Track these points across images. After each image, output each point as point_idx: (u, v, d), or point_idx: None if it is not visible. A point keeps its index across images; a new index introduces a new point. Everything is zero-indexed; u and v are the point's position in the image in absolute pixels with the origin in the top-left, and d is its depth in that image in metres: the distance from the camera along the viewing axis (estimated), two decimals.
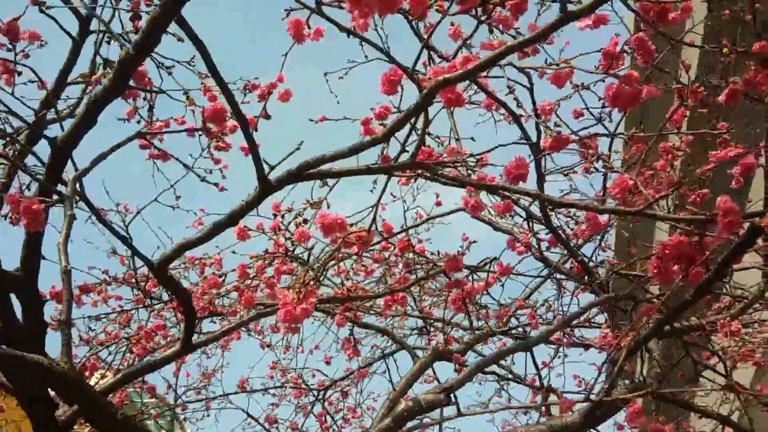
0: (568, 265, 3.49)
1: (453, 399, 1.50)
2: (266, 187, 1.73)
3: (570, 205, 1.66)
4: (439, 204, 4.22)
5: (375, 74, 1.99)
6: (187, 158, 3.49)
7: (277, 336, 5.00)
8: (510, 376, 4.89)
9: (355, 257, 2.54)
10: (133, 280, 3.46)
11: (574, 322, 3.50)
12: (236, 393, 4.48)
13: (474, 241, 3.11)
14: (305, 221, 2.32)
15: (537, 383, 4.63)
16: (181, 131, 1.70)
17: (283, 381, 4.98)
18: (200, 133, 3.29)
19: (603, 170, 2.01)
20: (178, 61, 2.94)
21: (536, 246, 3.26)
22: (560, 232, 2.83)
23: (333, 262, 2.51)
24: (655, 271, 1.73)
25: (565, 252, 3.54)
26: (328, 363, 4.89)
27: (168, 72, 2.93)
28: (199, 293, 2.74)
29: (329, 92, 2.33)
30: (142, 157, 3.37)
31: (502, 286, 3.20)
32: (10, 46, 2.39)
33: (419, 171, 1.99)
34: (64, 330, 1.23)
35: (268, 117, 2.29)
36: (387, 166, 1.82)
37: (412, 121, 1.89)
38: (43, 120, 1.73)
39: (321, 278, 2.53)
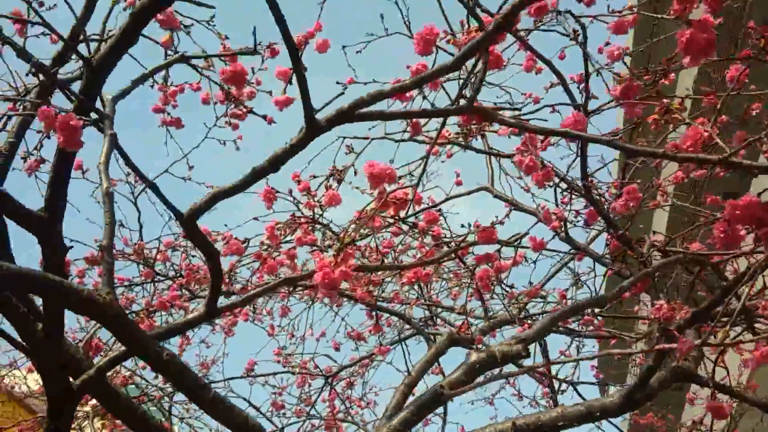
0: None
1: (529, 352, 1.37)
2: (314, 128, 1.58)
3: (651, 154, 1.52)
4: (459, 183, 4.10)
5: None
6: (202, 128, 3.35)
7: (284, 321, 4.86)
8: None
9: (390, 221, 2.38)
10: (142, 252, 3.31)
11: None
12: (240, 377, 4.33)
13: (507, 215, 2.97)
14: (339, 181, 2.17)
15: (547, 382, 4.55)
16: (234, 54, 1.52)
17: (289, 366, 4.82)
18: (215, 102, 3.16)
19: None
20: (197, 21, 2.80)
21: (563, 228, 3.13)
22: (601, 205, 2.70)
23: (367, 229, 2.35)
24: (721, 235, 1.60)
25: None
26: (337, 349, 4.75)
27: (186, 32, 2.79)
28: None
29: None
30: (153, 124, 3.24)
31: (535, 263, 3.05)
32: None
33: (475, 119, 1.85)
34: (105, 257, 1.08)
35: (303, 69, 2.15)
36: (444, 109, 1.68)
37: (468, 66, 1.75)
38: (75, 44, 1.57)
39: (358, 242, 2.38)
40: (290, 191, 2.32)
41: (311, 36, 2.05)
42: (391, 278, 4.48)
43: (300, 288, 4.77)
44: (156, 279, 3.33)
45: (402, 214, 2.20)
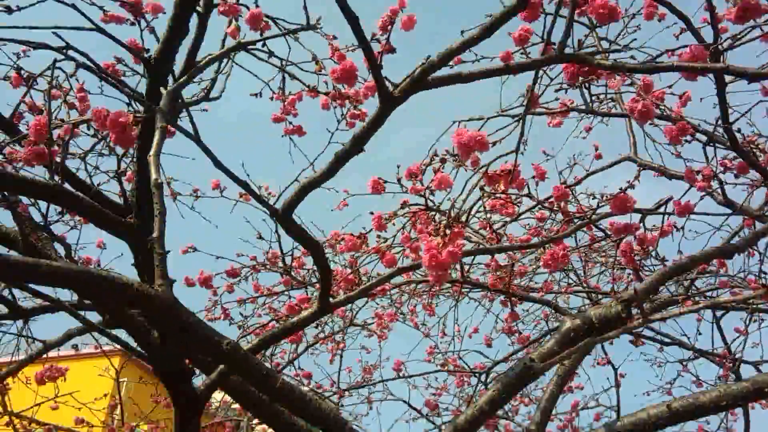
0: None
1: (633, 313, 1.17)
2: (388, 100, 1.48)
3: None
4: (599, 157, 3.81)
5: None
6: (325, 133, 3.36)
7: (433, 320, 4.79)
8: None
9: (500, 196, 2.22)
10: (279, 261, 3.37)
11: None
12: (393, 379, 4.29)
13: (636, 177, 2.68)
14: (443, 161, 2.05)
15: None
16: (292, 32, 1.45)
17: (440, 364, 4.73)
18: (334, 104, 3.15)
19: None
20: (302, 27, 2.80)
21: (720, 189, 2.79)
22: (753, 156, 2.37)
23: (478, 203, 2.21)
24: None
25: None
26: (489, 345, 4.59)
27: (295, 38, 2.80)
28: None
29: None
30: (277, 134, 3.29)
31: (681, 231, 2.73)
32: (134, 21, 2.33)
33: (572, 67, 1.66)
34: (157, 249, 1.05)
35: (393, 50, 2.06)
36: (531, 61, 1.52)
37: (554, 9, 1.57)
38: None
39: (467, 221, 2.25)
40: (398, 179, 2.23)
41: (395, 13, 1.96)
42: (535, 266, 4.27)
43: (446, 287, 4.68)
44: (293, 287, 3.37)
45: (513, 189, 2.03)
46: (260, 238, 3.72)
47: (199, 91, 3.10)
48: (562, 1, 1.49)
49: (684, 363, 5.07)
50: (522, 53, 2.14)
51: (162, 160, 2.17)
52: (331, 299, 2.03)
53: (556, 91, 1.89)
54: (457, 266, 3.41)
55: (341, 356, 5.00)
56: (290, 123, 3.14)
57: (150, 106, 1.27)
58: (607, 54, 1.57)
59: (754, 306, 3.84)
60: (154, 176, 1.09)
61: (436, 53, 1.42)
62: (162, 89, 1.23)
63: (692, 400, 2.05)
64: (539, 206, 2.93)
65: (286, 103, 3.08)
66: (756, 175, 3.11)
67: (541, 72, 2.50)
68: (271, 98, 3.06)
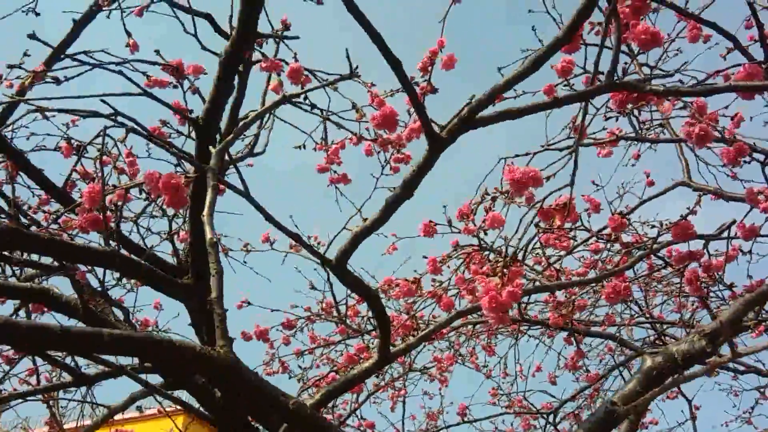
0: None
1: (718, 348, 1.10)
2: (436, 143, 1.46)
3: None
4: (651, 184, 3.72)
5: None
6: (370, 179, 3.35)
7: (493, 360, 4.69)
8: None
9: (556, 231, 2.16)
10: (333, 311, 3.35)
11: None
12: (458, 424, 4.17)
13: (697, 203, 2.60)
14: (494, 199, 2.02)
15: None
16: (333, 83, 1.44)
17: (506, 406, 4.60)
18: (378, 150, 3.16)
19: None
20: (342, 77, 2.83)
21: None
22: None
23: (533, 241, 2.16)
24: None
25: None
26: (553, 383, 4.46)
27: (334, 88, 2.82)
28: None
29: None
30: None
31: (749, 256, 2.62)
32: (177, 83, 2.38)
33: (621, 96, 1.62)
34: (216, 309, 1.04)
35: (435, 91, 2.06)
36: (580, 92, 1.48)
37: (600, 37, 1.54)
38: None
39: (523, 258, 2.20)
40: (449, 221, 2.20)
41: (435, 54, 1.95)
42: (596, 300, 4.15)
43: (502, 327, 4.59)
44: (349, 336, 3.34)
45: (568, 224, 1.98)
46: (312, 288, 3.72)
47: (243, 147, 3.15)
48: (607, 30, 1.46)
49: (762, 390, 4.85)
50: (565, 85, 2.12)
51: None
52: (391, 348, 1.99)
53: (606, 119, 1.83)
54: (515, 304, 3.35)
55: (404, 403, 4.91)
56: (335, 172, 3.15)
57: (201, 166, 1.28)
58: (650, 80, 1.52)
59: None
60: (209, 236, 1.09)
61: (483, 93, 1.39)
62: (211, 148, 1.24)
63: None
64: (595, 238, 2.87)
65: (329, 152, 3.10)
66: None
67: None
68: (314, 149, 3.09)
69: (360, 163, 3.16)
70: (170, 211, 2.58)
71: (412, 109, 2.07)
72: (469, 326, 4.35)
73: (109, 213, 1.68)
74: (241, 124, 1.46)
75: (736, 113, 2.40)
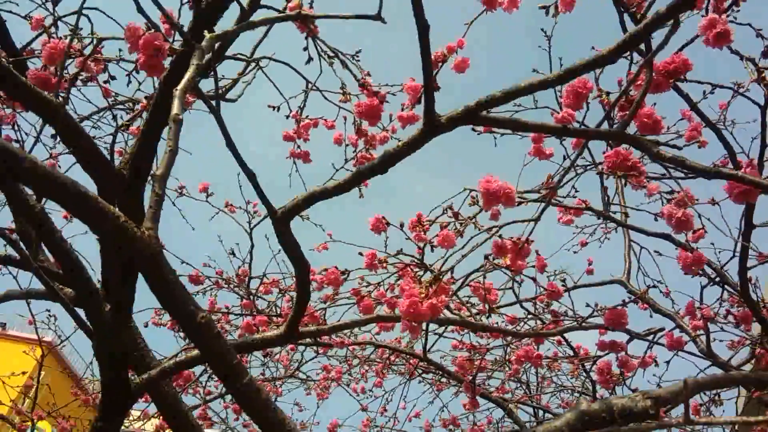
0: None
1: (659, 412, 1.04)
2: (433, 125, 1.38)
3: None
4: (590, 272, 3.74)
5: None
6: (329, 167, 3.25)
7: (378, 391, 4.59)
8: None
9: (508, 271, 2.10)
10: (245, 280, 3.20)
11: None
12: None
13: (641, 296, 2.59)
14: (456, 215, 1.94)
15: None
16: (354, 17, 1.34)
17: None
18: (347, 143, 3.07)
19: None
20: (339, 52, 2.74)
21: (706, 339, 2.69)
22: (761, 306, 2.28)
23: (477, 274, 2.09)
24: None
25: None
26: (428, 431, 4.38)
27: (330, 62, 2.73)
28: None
29: None
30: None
31: (667, 363, 2.62)
32: None
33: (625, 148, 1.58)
34: (156, 189, 0.91)
35: (437, 89, 1.98)
36: (591, 129, 1.43)
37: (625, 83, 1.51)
38: None
39: (460, 286, 2.13)
40: (401, 224, 2.11)
41: (452, 51, 1.88)
42: (498, 368, 4.13)
43: (400, 362, 4.51)
44: (253, 312, 3.18)
45: (520, 263, 1.92)
46: (232, 254, 3.56)
47: (218, 88, 3.00)
48: (636, 78, 1.42)
49: None
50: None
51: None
52: (300, 328, 1.88)
53: (598, 173, 1.79)
54: (421, 341, 3.28)
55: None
56: (299, 147, 3.04)
57: (190, 41, 1.16)
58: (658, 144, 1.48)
59: None
60: (175, 111, 0.96)
61: (501, 90, 1.32)
62: (206, 32, 1.12)
63: None
64: (527, 301, 2.84)
65: (300, 125, 2.99)
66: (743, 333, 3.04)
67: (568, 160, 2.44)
68: (287, 116, 2.98)
69: (327, 151, 3.06)
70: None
71: (412, 99, 1.98)
72: (367, 350, 4.27)
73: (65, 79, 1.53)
74: (244, 23, 1.34)
75: (700, 228, 2.42)
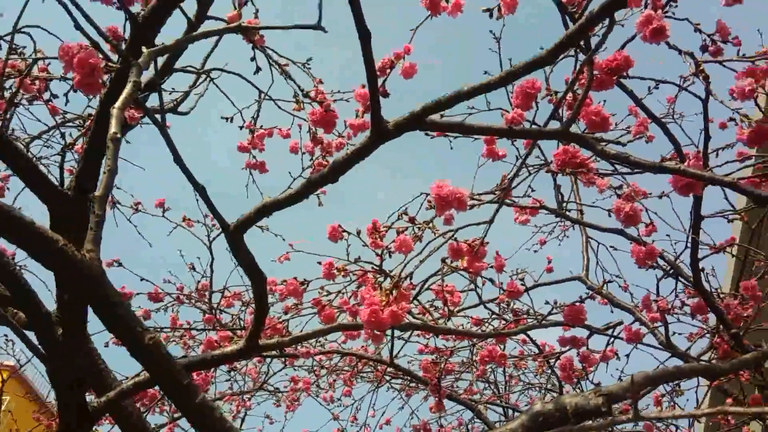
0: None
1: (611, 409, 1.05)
2: (381, 132, 1.38)
3: None
4: (550, 270, 3.80)
5: None
6: (286, 176, 3.23)
7: (347, 400, 4.57)
8: None
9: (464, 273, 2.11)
10: (206, 296, 3.16)
11: None
12: None
13: (600, 290, 2.63)
14: (412, 220, 1.95)
15: None
16: (295, 27, 1.34)
17: None
18: (304, 152, 3.06)
19: None
20: (292, 61, 2.74)
21: (664, 331, 2.74)
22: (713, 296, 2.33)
23: (436, 278, 2.10)
24: None
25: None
26: None
27: (281, 71, 2.73)
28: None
29: None
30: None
31: (627, 357, 2.67)
32: None
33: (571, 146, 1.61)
34: (96, 210, 0.89)
35: (386, 95, 1.99)
36: (535, 129, 1.45)
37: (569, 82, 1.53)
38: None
39: (420, 291, 2.13)
40: (358, 232, 2.11)
41: (399, 57, 1.89)
42: (465, 370, 4.15)
43: (368, 369, 4.50)
44: (216, 327, 3.15)
45: (476, 266, 1.93)
46: (192, 269, 3.52)
47: (169, 101, 2.97)
48: (578, 77, 1.44)
49: None
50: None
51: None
52: (260, 341, 1.86)
53: (547, 171, 1.81)
54: (388, 347, 3.28)
55: (243, 420, 4.70)
56: (254, 157, 3.02)
57: (127, 57, 1.14)
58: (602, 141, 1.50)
59: None
60: (113, 129, 0.95)
61: (444, 95, 1.33)
62: (144, 48, 1.10)
63: None
64: (490, 302, 2.86)
65: (255, 135, 2.98)
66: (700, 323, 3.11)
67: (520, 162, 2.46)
68: (241, 127, 2.96)
69: (283, 160, 3.04)
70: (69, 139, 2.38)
71: (361, 105, 1.99)
72: (335, 359, 4.25)
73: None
74: (182, 38, 1.32)
75: (650, 222, 2.46)
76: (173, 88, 2.88)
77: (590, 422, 0.91)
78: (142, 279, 3.37)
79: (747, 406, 2.60)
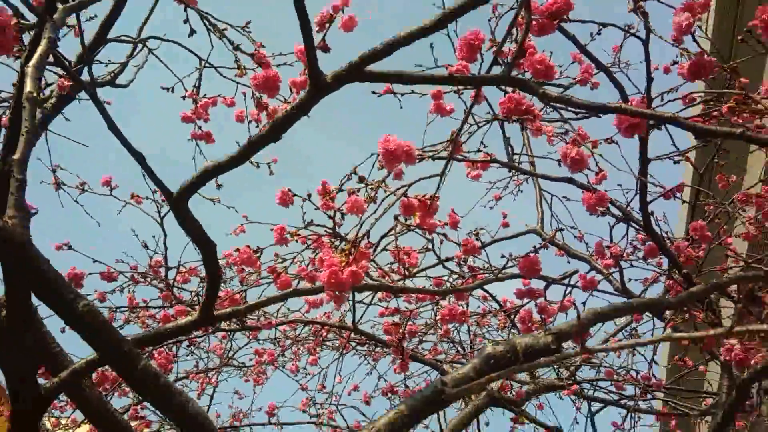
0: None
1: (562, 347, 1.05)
2: (320, 85, 1.35)
3: (727, 135, 1.22)
4: (506, 225, 3.80)
5: None
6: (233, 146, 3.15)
7: (314, 369, 4.57)
8: None
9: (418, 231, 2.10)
10: (162, 271, 3.10)
11: None
12: (264, 424, 4.01)
13: (552, 237, 2.65)
14: (362, 179, 1.92)
15: None
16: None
17: (315, 415, 4.49)
18: (250, 120, 2.99)
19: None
20: (231, 25, 2.67)
21: (619, 277, 2.78)
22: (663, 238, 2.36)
23: (391, 237, 2.08)
24: None
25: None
26: (367, 403, 4.40)
27: (220, 36, 2.66)
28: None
29: None
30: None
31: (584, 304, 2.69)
32: None
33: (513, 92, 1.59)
34: (15, 174, 0.85)
35: (327, 50, 1.94)
36: (477, 76, 1.43)
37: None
38: None
39: (375, 249, 2.12)
40: (308, 195, 2.07)
41: (337, 10, 1.84)
42: (428, 330, 4.17)
43: (333, 337, 4.50)
44: (172, 304, 3.10)
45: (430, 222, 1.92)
46: (145, 247, 3.44)
47: (105, 74, 2.88)
48: (516, 21, 1.42)
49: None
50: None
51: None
52: (215, 313, 1.83)
53: (494, 119, 1.80)
54: (350, 315, 3.27)
55: (211, 397, 4.67)
56: (200, 128, 2.95)
57: (42, 14, 1.08)
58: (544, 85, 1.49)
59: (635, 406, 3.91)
60: (28, 89, 0.90)
61: (381, 42, 1.30)
62: (59, 4, 1.05)
63: None
64: (448, 261, 2.86)
65: (198, 105, 2.90)
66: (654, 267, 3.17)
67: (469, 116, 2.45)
68: (184, 97, 2.88)
69: (229, 128, 2.97)
70: None
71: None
72: (299, 329, 4.24)
73: None
74: None
75: (600, 170, 2.48)
76: (109, 60, 2.79)
77: (540, 360, 0.90)
78: (94, 261, 3.29)
79: (701, 346, 2.67)
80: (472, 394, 3.31)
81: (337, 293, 1.62)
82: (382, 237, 2.05)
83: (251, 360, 4.53)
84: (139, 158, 1.52)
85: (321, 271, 1.58)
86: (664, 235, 2.53)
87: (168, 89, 2.81)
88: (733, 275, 1.83)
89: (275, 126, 1.41)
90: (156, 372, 0.93)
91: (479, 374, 1.03)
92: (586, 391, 4.00)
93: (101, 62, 2.82)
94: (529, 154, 2.85)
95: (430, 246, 2.71)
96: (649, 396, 3.79)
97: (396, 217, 2.00)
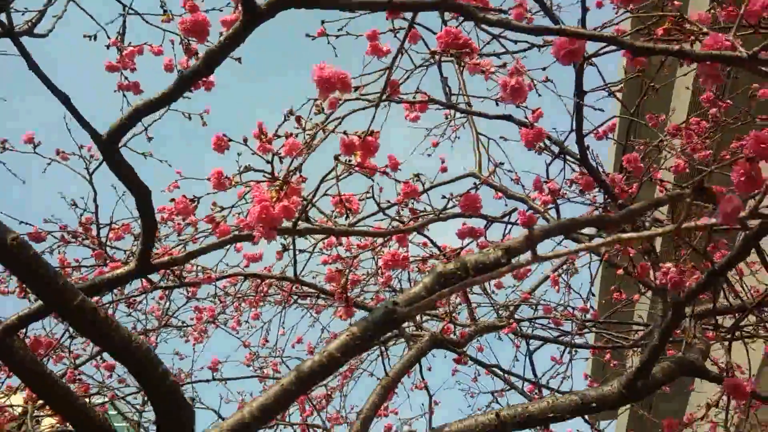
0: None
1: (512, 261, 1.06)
2: (253, 13, 1.29)
3: (663, 51, 1.22)
4: (444, 170, 3.81)
5: None
6: None
7: (256, 324, 4.54)
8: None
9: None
10: (93, 228, 3.00)
11: None
12: (208, 381, 3.97)
13: (491, 173, 2.67)
14: (298, 118, 1.88)
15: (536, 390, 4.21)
16: None
17: (259, 368, 4.48)
18: (180, 69, 2.88)
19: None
20: None
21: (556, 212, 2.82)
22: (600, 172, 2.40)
23: (330, 179, 2.05)
24: (742, 178, 1.31)
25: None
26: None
27: None
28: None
29: None
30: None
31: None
32: None
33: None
34: None
35: None
36: (416, 2, 1.39)
37: None
38: None
39: (315, 192, 2.09)
40: (245, 139, 2.01)
41: None
42: (370, 278, 4.18)
43: (274, 291, 4.47)
44: (105, 263, 3.00)
45: (372, 161, 1.90)
46: (74, 205, 3.32)
47: (22, 23, 2.71)
48: None
49: (495, 394, 5.20)
50: None
51: None
52: (151, 260, 1.77)
53: (432, 53, 1.78)
54: (291, 268, 3.23)
55: None
56: (126, 78, 2.83)
57: None
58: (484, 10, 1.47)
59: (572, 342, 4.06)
60: None
61: None
62: None
63: (521, 410, 2.01)
64: (389, 207, 2.85)
65: (124, 53, 2.78)
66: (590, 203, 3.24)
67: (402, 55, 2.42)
68: (108, 46, 2.75)
69: (158, 78, 2.86)
70: None
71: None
72: (239, 284, 4.18)
73: None
74: None
75: (537, 108, 2.49)
76: (26, 8, 2.62)
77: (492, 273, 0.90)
78: (21, 222, 3.16)
79: (635, 277, 2.76)
80: (423, 311, 3.35)
81: (269, 229, 1.59)
82: (323, 179, 2.01)
83: (192, 319, 4.47)
84: (64, 99, 1.44)
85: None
86: (598, 167, 2.58)
87: (90, 37, 2.67)
88: (667, 194, 1.88)
89: (208, 58, 1.36)
90: (93, 306, 0.89)
91: (430, 292, 1.03)
92: (525, 329, 4.10)
93: (17, 10, 2.65)
94: (466, 94, 2.84)
95: (370, 194, 2.69)
96: (585, 331, 3.92)
97: (336, 157, 1.96)
